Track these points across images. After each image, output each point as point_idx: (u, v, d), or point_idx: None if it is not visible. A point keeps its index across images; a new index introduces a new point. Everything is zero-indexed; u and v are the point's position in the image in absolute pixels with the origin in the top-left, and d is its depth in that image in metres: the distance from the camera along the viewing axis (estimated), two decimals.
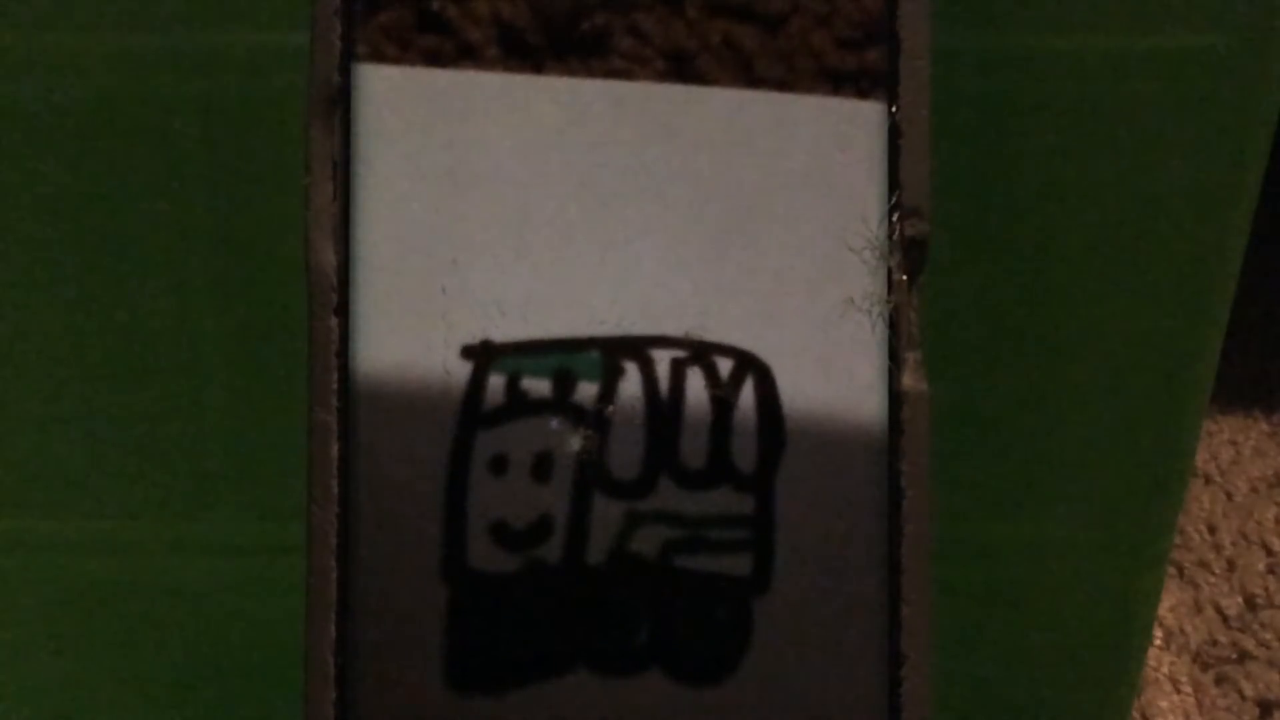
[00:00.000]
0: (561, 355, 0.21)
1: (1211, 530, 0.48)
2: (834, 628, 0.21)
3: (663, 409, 0.21)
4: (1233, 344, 0.29)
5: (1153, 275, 0.27)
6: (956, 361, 0.27)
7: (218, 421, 0.28)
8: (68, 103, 0.26)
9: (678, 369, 0.21)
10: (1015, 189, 0.26)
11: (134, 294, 0.27)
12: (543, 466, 0.21)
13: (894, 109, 0.21)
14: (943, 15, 0.22)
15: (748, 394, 0.21)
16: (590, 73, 0.21)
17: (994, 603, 0.30)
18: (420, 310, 0.21)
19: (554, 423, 0.21)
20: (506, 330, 0.21)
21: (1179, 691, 0.41)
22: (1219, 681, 0.41)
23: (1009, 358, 0.28)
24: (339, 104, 0.20)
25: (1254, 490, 0.50)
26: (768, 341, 0.21)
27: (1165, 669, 0.42)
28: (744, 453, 0.21)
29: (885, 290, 0.21)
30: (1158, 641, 0.43)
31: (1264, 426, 0.54)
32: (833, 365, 0.21)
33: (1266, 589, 0.45)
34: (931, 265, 0.21)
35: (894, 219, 0.21)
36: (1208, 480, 0.50)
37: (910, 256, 0.21)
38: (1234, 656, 0.42)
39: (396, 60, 0.21)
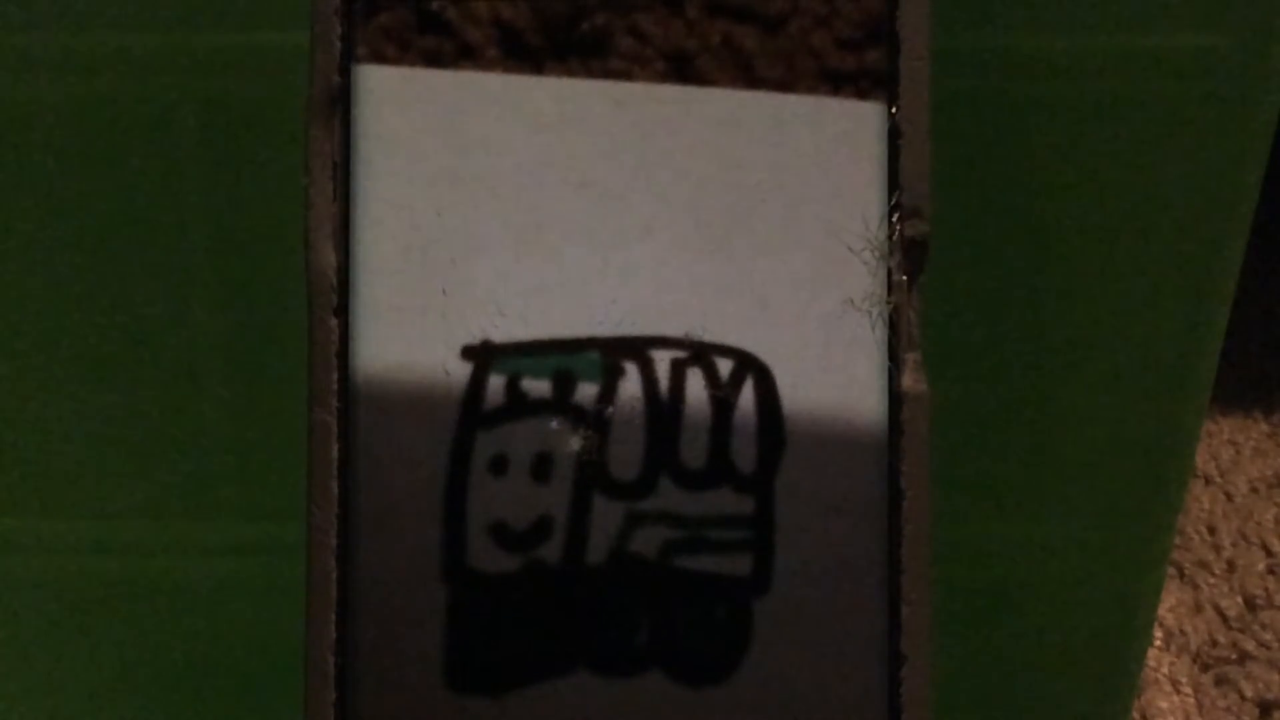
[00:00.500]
0: (561, 356, 0.21)
1: (1211, 531, 0.48)
2: (834, 628, 0.21)
3: (662, 409, 0.21)
4: (1233, 344, 0.29)
5: (1153, 275, 0.27)
6: (956, 361, 0.27)
7: (218, 421, 0.28)
8: (68, 103, 0.26)
9: (677, 369, 0.21)
10: (1015, 189, 0.26)
11: (134, 294, 0.27)
12: (543, 467, 0.21)
13: (894, 109, 0.21)
14: (943, 15, 0.22)
15: (747, 394, 0.21)
16: (590, 73, 0.21)
17: (994, 603, 0.30)
18: (420, 311, 0.21)
19: (554, 423, 0.21)
20: (506, 331, 0.21)
21: (1179, 692, 0.41)
22: (1219, 682, 0.41)
23: (1009, 358, 0.28)
24: (339, 105, 0.20)
25: (1254, 491, 0.50)
26: (767, 342, 0.21)
27: (1165, 669, 0.42)
28: (744, 453, 0.21)
29: (885, 291, 0.21)
30: (1158, 642, 0.43)
31: (1264, 427, 0.54)
32: (833, 366, 0.21)
33: (1266, 590, 0.45)
34: (931, 265, 0.21)
35: (894, 219, 0.21)
36: (1208, 481, 0.50)
37: (910, 257, 0.21)
38: (1234, 657, 0.42)
39: (396, 61, 0.21)
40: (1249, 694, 0.41)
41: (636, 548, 0.21)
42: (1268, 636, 0.43)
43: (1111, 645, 0.31)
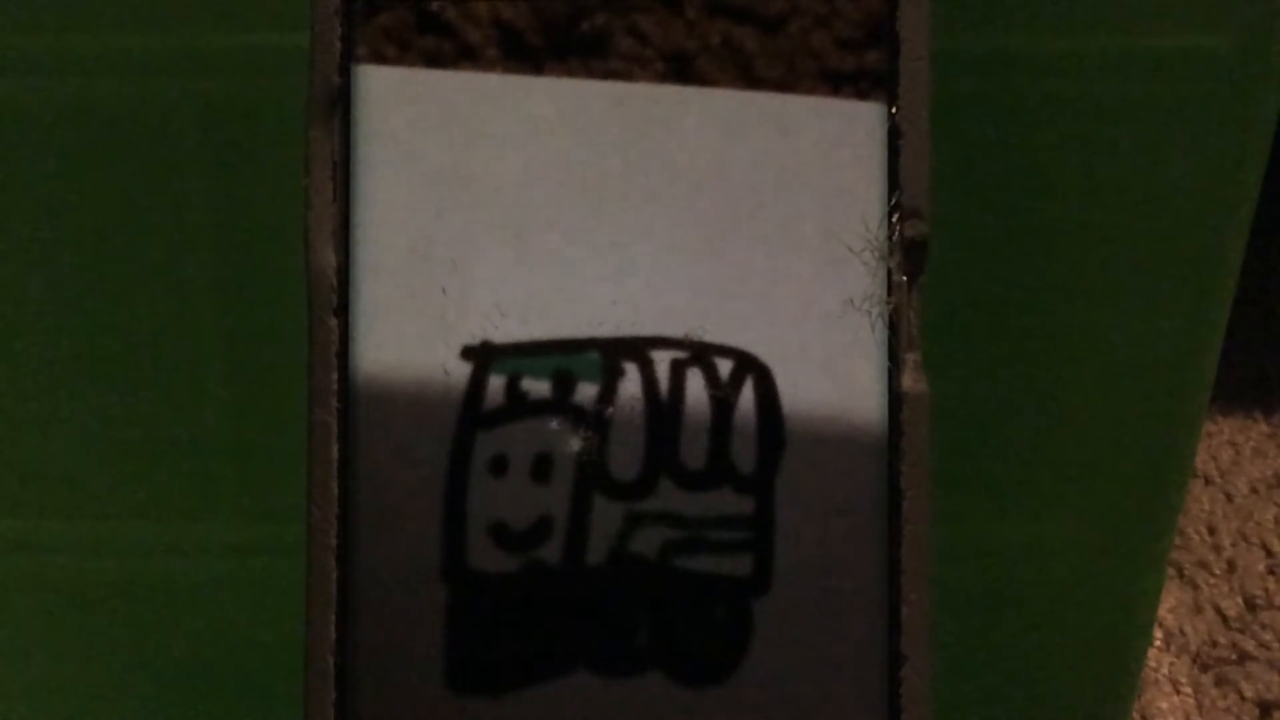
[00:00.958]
0: (561, 356, 0.21)
1: (1211, 531, 0.48)
2: (834, 628, 0.21)
3: (662, 410, 0.21)
4: (1233, 344, 0.29)
5: (1153, 275, 0.27)
6: (956, 361, 0.27)
7: (218, 421, 0.28)
8: (68, 103, 0.26)
9: (677, 370, 0.21)
10: (1015, 189, 0.26)
11: (134, 294, 0.27)
12: (542, 467, 0.21)
13: (894, 110, 0.21)
14: (943, 15, 0.22)
15: (747, 395, 0.21)
16: (590, 73, 0.21)
17: (994, 603, 0.30)
18: (420, 311, 0.21)
19: (554, 423, 0.21)
20: (506, 331, 0.21)
21: (1179, 692, 0.41)
22: (1219, 682, 0.41)
23: (1009, 358, 0.28)
24: (339, 105, 0.20)
25: (1254, 491, 0.50)
26: (767, 342, 0.21)
27: (1165, 670, 0.42)
28: (744, 453, 0.21)
29: (885, 291, 0.21)
30: (1158, 642, 0.43)
31: (1264, 427, 0.54)
32: (833, 366, 0.21)
33: (1266, 590, 0.45)
34: (931, 265, 0.21)
35: (894, 220, 0.21)
36: (1208, 481, 0.50)
37: (910, 257, 0.21)
38: (1234, 657, 0.42)
39: (396, 61, 0.21)
40: (1249, 694, 0.41)
41: (636, 548, 0.21)
42: (1268, 637, 0.43)
43: (1111, 645, 0.31)
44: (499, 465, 0.21)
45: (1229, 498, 0.50)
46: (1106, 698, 0.31)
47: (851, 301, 0.21)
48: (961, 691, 0.31)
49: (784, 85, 0.21)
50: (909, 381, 0.21)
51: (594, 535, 0.21)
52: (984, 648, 0.31)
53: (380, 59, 0.21)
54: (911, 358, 0.21)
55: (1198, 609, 0.44)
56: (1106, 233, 0.26)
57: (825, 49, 0.21)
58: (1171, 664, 0.42)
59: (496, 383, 0.21)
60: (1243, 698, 0.41)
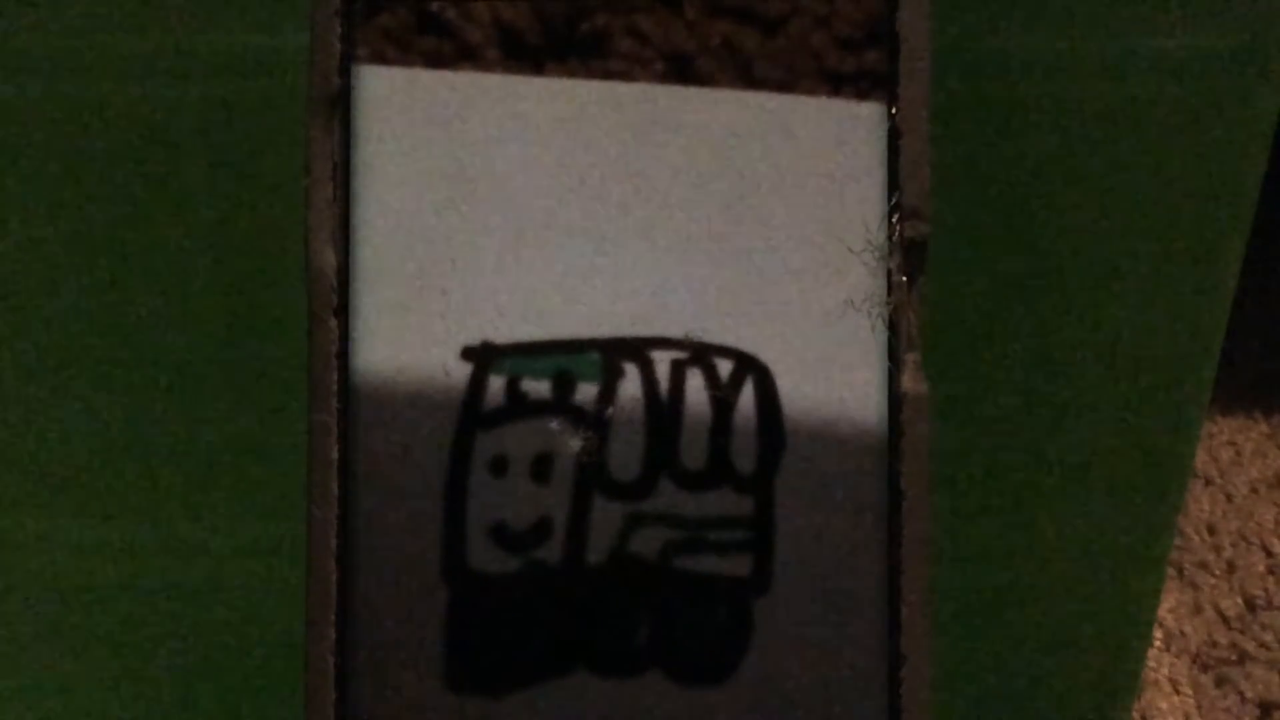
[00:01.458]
0: (561, 356, 0.21)
1: (1211, 531, 0.48)
2: (834, 628, 0.21)
3: (662, 410, 0.21)
4: (1233, 344, 0.29)
5: (1153, 275, 0.27)
6: (956, 361, 0.27)
7: (218, 421, 0.28)
8: (69, 103, 0.26)
9: (677, 370, 0.21)
10: (1015, 189, 0.26)
11: (134, 294, 0.27)
12: (542, 468, 0.21)
13: (894, 110, 0.21)
14: (943, 15, 0.22)
15: (747, 395, 0.21)
16: (590, 74, 0.21)
17: (994, 603, 0.30)
18: (420, 311, 0.21)
19: (554, 424, 0.21)
20: (506, 331, 0.21)
21: (1179, 693, 0.41)
22: (1219, 683, 0.41)
23: (1009, 358, 0.28)
24: (339, 105, 0.20)
25: (1254, 491, 0.50)
26: (767, 343, 0.21)
27: (1165, 670, 0.42)
28: (744, 454, 0.21)
29: (885, 291, 0.21)
30: (1157, 643, 0.43)
31: (1264, 428, 0.54)
32: (832, 366, 0.21)
33: (1266, 590, 0.45)
34: (931, 265, 0.21)
35: (894, 220, 0.21)
36: (1208, 481, 0.50)
37: (910, 258, 0.21)
38: (1234, 658, 0.42)
39: (397, 62, 0.21)
40: (1249, 695, 0.41)
41: (636, 548, 0.21)
42: (1268, 637, 0.43)
43: (1111, 645, 0.31)
44: (499, 465, 0.21)
45: (1229, 498, 0.50)
46: (1106, 698, 0.32)
47: (851, 301, 0.21)
48: (961, 691, 0.31)
49: (784, 85, 0.21)
50: (909, 381, 0.21)
51: (594, 535, 0.21)
52: (984, 648, 0.31)
53: (380, 59, 0.21)
54: (911, 358, 0.21)
55: (1198, 609, 0.44)
56: (1106, 233, 0.26)
57: (825, 49, 0.21)
58: (1171, 664, 0.42)
59: (496, 383, 0.21)
60: (1243, 698, 0.41)
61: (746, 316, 0.21)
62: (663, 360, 0.21)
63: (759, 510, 0.21)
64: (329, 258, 0.21)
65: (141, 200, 0.26)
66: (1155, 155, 0.26)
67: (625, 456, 0.21)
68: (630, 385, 0.21)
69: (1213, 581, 0.45)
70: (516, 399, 0.21)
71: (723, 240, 0.21)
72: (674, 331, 0.21)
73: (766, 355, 0.21)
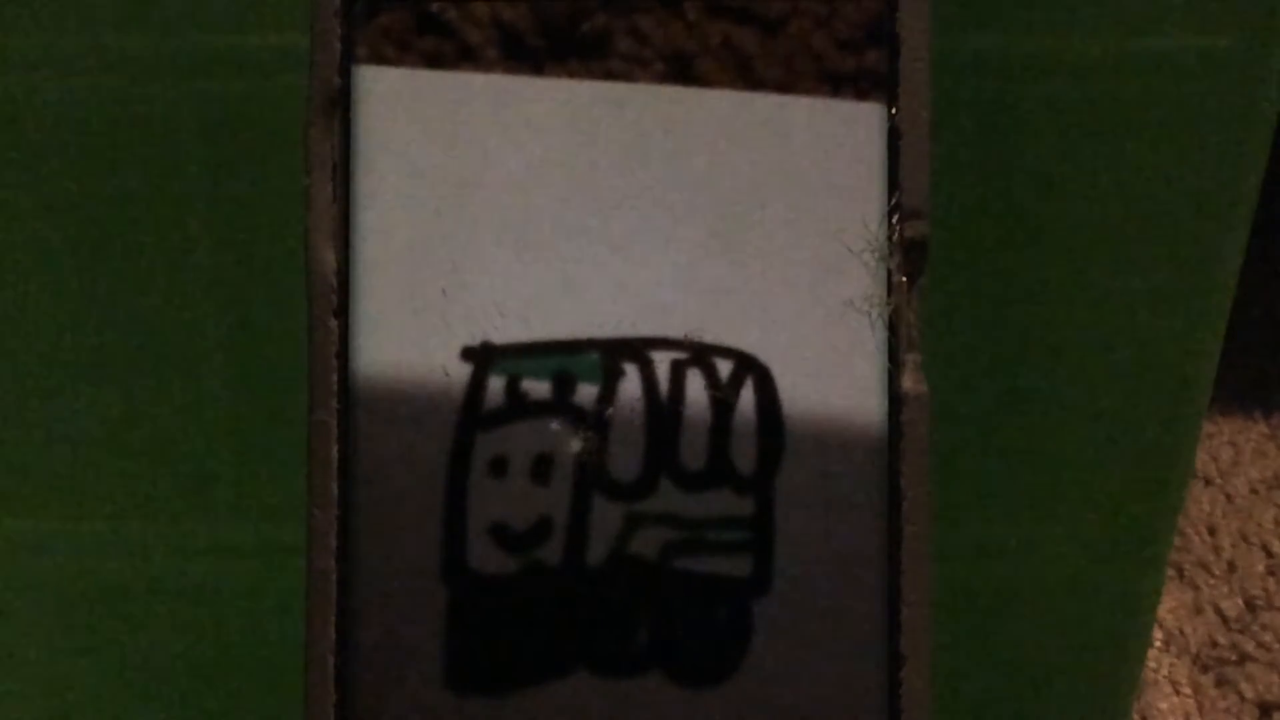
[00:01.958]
0: (561, 357, 0.21)
1: (1211, 532, 0.48)
2: (834, 628, 0.21)
3: (662, 411, 0.21)
4: (1233, 344, 0.29)
5: (1153, 275, 0.27)
6: (956, 362, 0.27)
7: (217, 421, 0.28)
8: (68, 103, 0.26)
9: (677, 371, 0.21)
10: (1015, 189, 0.26)
11: (134, 294, 0.27)
12: (542, 468, 0.21)
13: (894, 110, 0.21)
14: (943, 15, 0.22)
15: (747, 396, 0.21)
16: (590, 74, 0.21)
17: (994, 603, 0.30)
18: (420, 312, 0.21)
19: (554, 424, 0.21)
20: (506, 332, 0.21)
21: (1179, 693, 0.41)
22: (1219, 683, 0.41)
23: (1009, 358, 0.28)
24: (339, 106, 0.20)
25: (1254, 492, 0.50)
26: (767, 343, 0.21)
27: (1165, 671, 0.42)
28: (744, 454, 0.21)
29: (885, 292, 0.21)
30: (1158, 643, 0.43)
31: (1263, 428, 0.54)
32: (832, 367, 0.21)
33: (1266, 591, 0.45)
34: (931, 266, 0.21)
35: (894, 220, 0.21)
36: (1208, 482, 0.50)
37: (910, 258, 0.21)
38: (1234, 658, 0.42)
39: (396, 62, 0.21)
40: (1249, 695, 0.41)
41: (636, 549, 0.21)
42: (1268, 638, 0.43)
43: (1111, 645, 0.31)
44: (499, 466, 0.21)
45: (1229, 498, 0.49)
46: (1106, 698, 0.32)
47: (851, 302, 0.21)
48: (961, 691, 0.31)
49: (784, 86, 0.21)
50: (909, 382, 0.21)
51: (594, 536, 0.21)
52: (984, 648, 0.31)
53: (380, 59, 0.21)
54: (911, 358, 0.21)
55: (1198, 610, 0.44)
56: (1106, 233, 0.26)
57: (825, 50, 0.21)
58: (1171, 664, 0.42)
59: (496, 383, 0.21)
60: (1243, 698, 0.41)
61: (746, 316, 0.21)
62: (663, 360, 0.21)
63: (759, 510, 0.21)
64: (329, 258, 0.21)
65: (141, 200, 0.26)
66: (1155, 155, 0.26)
67: (625, 457, 0.21)
68: (630, 385, 0.21)
69: (1213, 581, 0.45)
70: (516, 399, 0.21)
71: (723, 240, 0.21)
72: (674, 331, 0.21)
73: (766, 355, 0.21)
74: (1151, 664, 0.42)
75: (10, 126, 0.26)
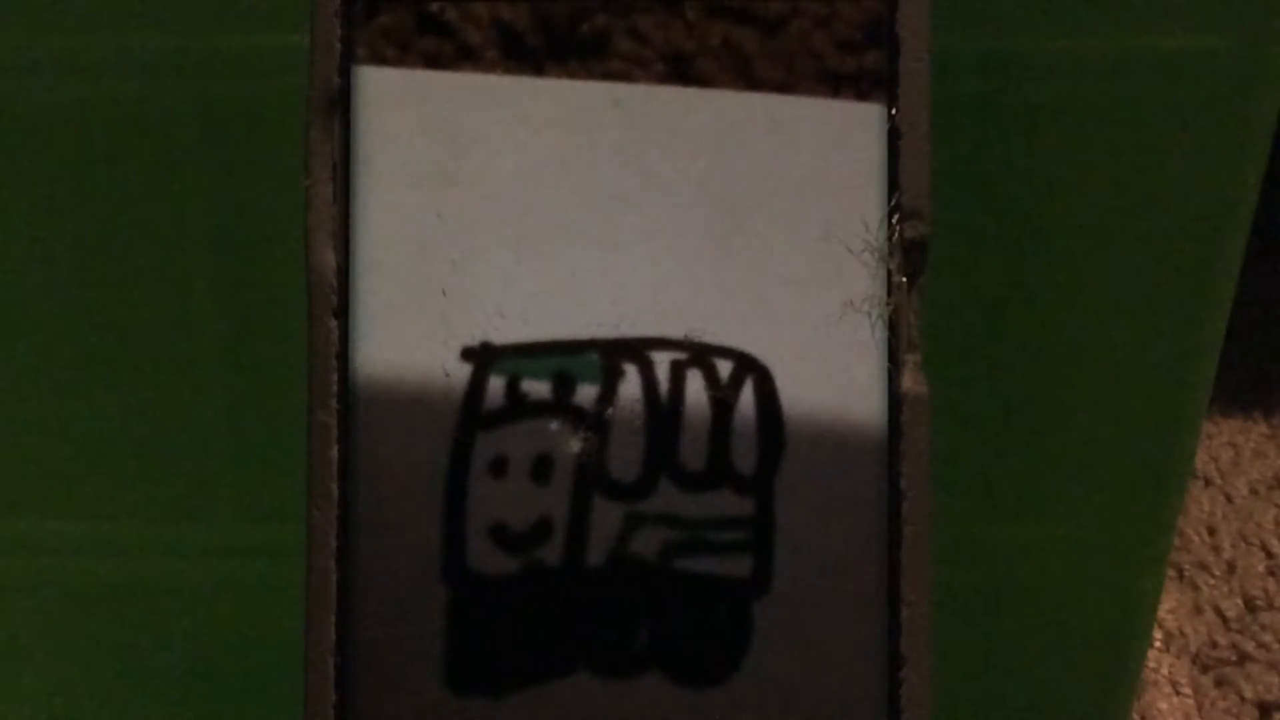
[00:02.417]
0: (561, 357, 0.21)
1: (1211, 532, 0.48)
2: (834, 628, 0.21)
3: (662, 411, 0.21)
4: (1233, 344, 0.29)
5: (1152, 276, 0.27)
6: (956, 362, 0.27)
7: (217, 421, 0.28)
8: (68, 104, 0.26)
9: (677, 371, 0.21)
10: (1015, 189, 0.26)
11: (134, 294, 0.27)
12: (542, 468, 0.21)
13: (894, 111, 0.21)
14: (943, 16, 0.22)
15: (747, 396, 0.21)
16: (590, 74, 0.21)
17: (994, 603, 0.30)
18: (420, 312, 0.21)
19: (554, 425, 0.21)
20: (506, 332, 0.21)
21: (1179, 693, 0.41)
22: (1219, 684, 0.41)
23: (1009, 358, 0.28)
24: (339, 106, 0.20)
25: (1254, 492, 0.50)
26: (767, 343, 0.21)
27: (1165, 671, 0.42)
28: (744, 454, 0.21)
29: (885, 292, 0.21)
30: (1157, 643, 0.43)
31: (1263, 429, 0.54)
32: (832, 367, 0.21)
33: (1266, 591, 0.45)
34: (931, 266, 0.21)
35: (894, 221, 0.21)
36: (1207, 482, 0.50)
37: (910, 258, 0.21)
38: (1234, 659, 0.42)
39: (396, 62, 0.21)
40: (1249, 695, 0.41)
41: (636, 549, 0.21)
42: (1268, 638, 0.43)
43: (1111, 645, 0.31)
44: (499, 466, 0.21)
45: (1229, 499, 0.49)
46: (1106, 698, 0.31)
47: (851, 302, 0.21)
48: (961, 691, 0.31)
49: (784, 86, 0.21)
50: (909, 382, 0.21)
51: (594, 536, 0.21)
52: (984, 648, 0.31)
53: (380, 60, 0.21)
54: (911, 359, 0.21)
55: (1198, 610, 0.44)
56: (1106, 233, 0.26)
57: (825, 50, 0.21)
58: (1171, 665, 0.42)
59: (496, 384, 0.21)
60: (1243, 699, 0.41)
61: (746, 317, 0.21)
62: (663, 361, 0.21)
63: (759, 510, 0.21)
64: (329, 258, 0.21)
65: (141, 200, 0.26)
66: (1155, 155, 0.26)
67: (625, 457, 0.21)
68: (630, 386, 0.21)
69: (1213, 582, 0.45)
70: (516, 400, 0.21)
71: (723, 240, 0.21)
72: (674, 332, 0.21)
73: (766, 356, 0.21)
74: (1151, 664, 0.42)
75: (11, 127, 0.26)
